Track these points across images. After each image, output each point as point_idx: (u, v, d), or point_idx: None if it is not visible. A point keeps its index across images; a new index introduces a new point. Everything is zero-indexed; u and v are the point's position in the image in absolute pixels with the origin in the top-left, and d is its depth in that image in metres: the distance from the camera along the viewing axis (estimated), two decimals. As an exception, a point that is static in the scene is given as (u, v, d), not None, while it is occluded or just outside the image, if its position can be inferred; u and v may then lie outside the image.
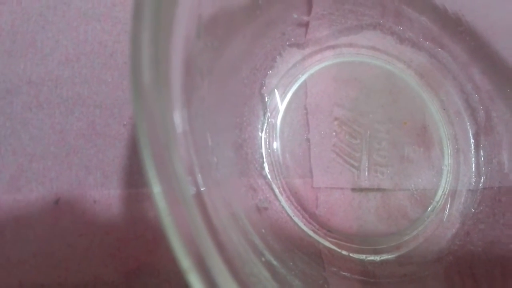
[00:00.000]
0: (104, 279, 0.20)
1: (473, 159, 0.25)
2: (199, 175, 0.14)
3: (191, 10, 0.15)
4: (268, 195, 0.23)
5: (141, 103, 0.12)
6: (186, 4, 0.14)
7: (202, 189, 0.14)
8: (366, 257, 0.22)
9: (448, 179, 0.24)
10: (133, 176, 0.21)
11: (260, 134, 0.23)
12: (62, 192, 0.21)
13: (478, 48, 0.25)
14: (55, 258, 0.20)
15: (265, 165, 0.23)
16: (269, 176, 0.23)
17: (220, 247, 0.12)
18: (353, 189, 0.23)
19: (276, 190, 0.23)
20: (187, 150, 0.14)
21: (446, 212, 0.24)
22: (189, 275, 0.11)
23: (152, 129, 0.12)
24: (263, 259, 0.18)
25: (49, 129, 0.22)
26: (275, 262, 0.19)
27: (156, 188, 0.11)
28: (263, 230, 0.21)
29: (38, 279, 0.20)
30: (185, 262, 0.11)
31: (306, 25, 0.24)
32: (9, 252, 0.20)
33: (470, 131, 0.25)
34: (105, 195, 0.21)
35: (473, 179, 0.24)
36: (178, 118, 0.13)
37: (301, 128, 0.24)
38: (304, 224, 0.22)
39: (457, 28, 0.25)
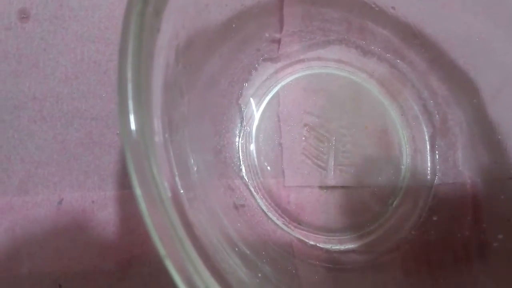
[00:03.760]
0: (102, 268, 0.23)
1: (429, 158, 0.27)
2: (177, 178, 0.16)
3: (170, 42, 0.17)
4: (245, 194, 0.25)
5: (125, 123, 0.14)
6: (164, 38, 0.17)
7: (181, 191, 0.16)
8: (331, 246, 0.25)
9: (406, 177, 0.27)
10: (126, 179, 0.24)
11: (237, 140, 0.26)
12: (64, 193, 0.24)
13: (436, 57, 0.27)
14: (60, 250, 0.23)
15: (242, 167, 0.26)
16: (245, 177, 0.26)
17: (194, 238, 0.15)
18: (321, 187, 0.26)
19: (252, 189, 0.25)
20: (167, 157, 0.16)
21: (404, 206, 0.26)
22: (165, 261, 0.14)
23: (134, 142, 0.14)
24: (236, 249, 0.21)
25: (52, 139, 0.24)
26: (247, 251, 0.21)
27: (138, 192, 0.13)
28: (238, 224, 0.24)
29: (45, 269, 0.23)
30: (162, 251, 0.14)
31: (278, 41, 0.27)
32: (20, 246, 0.23)
33: (426, 134, 0.27)
34: (101, 195, 0.24)
35: (429, 177, 0.27)
36: (157, 131, 0.15)
37: (274, 134, 0.26)
38: (277, 218, 0.25)
39: (415, 40, 0.27)
